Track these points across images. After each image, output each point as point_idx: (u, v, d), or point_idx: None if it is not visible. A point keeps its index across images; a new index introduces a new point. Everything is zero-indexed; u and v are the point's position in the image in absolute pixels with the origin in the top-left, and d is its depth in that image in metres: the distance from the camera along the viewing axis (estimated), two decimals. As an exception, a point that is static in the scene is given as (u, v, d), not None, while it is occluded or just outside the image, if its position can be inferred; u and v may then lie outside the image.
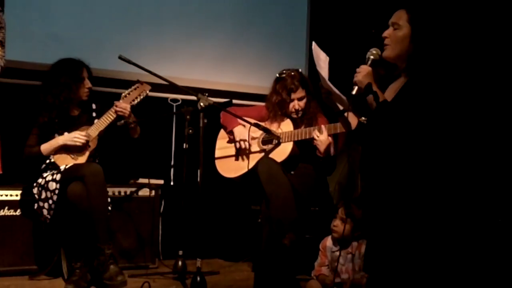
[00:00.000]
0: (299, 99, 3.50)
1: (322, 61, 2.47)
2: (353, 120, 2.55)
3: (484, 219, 3.31)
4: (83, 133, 3.40)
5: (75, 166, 3.33)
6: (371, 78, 2.37)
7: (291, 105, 3.50)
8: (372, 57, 2.42)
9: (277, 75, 3.58)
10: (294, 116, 3.53)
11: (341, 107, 2.53)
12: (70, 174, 3.26)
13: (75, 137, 3.38)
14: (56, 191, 3.24)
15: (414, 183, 2.30)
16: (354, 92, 2.37)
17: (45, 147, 3.39)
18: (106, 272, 3.14)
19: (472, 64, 3.75)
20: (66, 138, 3.39)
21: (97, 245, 3.17)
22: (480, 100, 3.63)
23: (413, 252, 2.29)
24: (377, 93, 2.36)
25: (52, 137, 3.42)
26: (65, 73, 3.47)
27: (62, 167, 3.32)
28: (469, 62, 3.73)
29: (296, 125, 3.54)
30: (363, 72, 2.38)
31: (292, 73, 3.53)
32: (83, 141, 3.38)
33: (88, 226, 3.18)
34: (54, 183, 3.26)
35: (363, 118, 2.50)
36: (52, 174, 3.31)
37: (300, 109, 3.50)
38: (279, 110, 3.53)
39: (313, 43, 2.51)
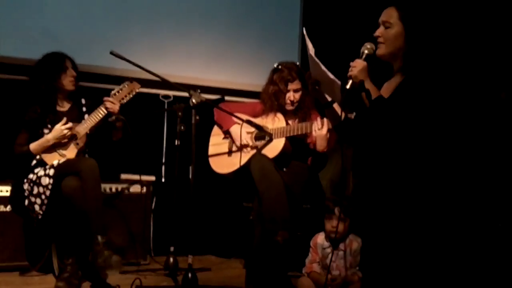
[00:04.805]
0: (295, 91, 3.51)
1: (312, 51, 2.47)
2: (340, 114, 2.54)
3: (477, 214, 3.33)
4: (62, 122, 3.36)
5: (70, 161, 3.32)
6: (366, 72, 2.36)
7: (287, 95, 3.51)
8: (366, 51, 2.41)
9: (275, 65, 3.59)
10: (289, 108, 3.53)
11: (329, 99, 2.51)
12: (65, 169, 3.24)
13: (60, 129, 3.35)
14: (50, 186, 3.23)
15: (410, 181, 2.30)
16: (348, 86, 2.36)
17: (34, 147, 3.36)
18: (100, 258, 3.17)
19: (465, 60, 3.77)
20: (54, 134, 3.36)
21: (92, 236, 3.16)
22: (474, 98, 3.65)
23: (407, 250, 2.30)
24: (370, 90, 2.36)
25: (41, 133, 3.40)
26: (48, 64, 3.47)
27: (55, 162, 3.30)
28: (462, 58, 3.76)
29: (289, 119, 3.54)
30: (358, 67, 2.36)
31: (290, 65, 3.56)
32: (68, 129, 3.34)
33: (82, 220, 3.16)
34: (47, 178, 3.25)
35: (351, 114, 2.50)
36: (45, 170, 3.30)
37: (295, 100, 3.51)
38: (275, 101, 3.53)
39: (303, 29, 2.54)
